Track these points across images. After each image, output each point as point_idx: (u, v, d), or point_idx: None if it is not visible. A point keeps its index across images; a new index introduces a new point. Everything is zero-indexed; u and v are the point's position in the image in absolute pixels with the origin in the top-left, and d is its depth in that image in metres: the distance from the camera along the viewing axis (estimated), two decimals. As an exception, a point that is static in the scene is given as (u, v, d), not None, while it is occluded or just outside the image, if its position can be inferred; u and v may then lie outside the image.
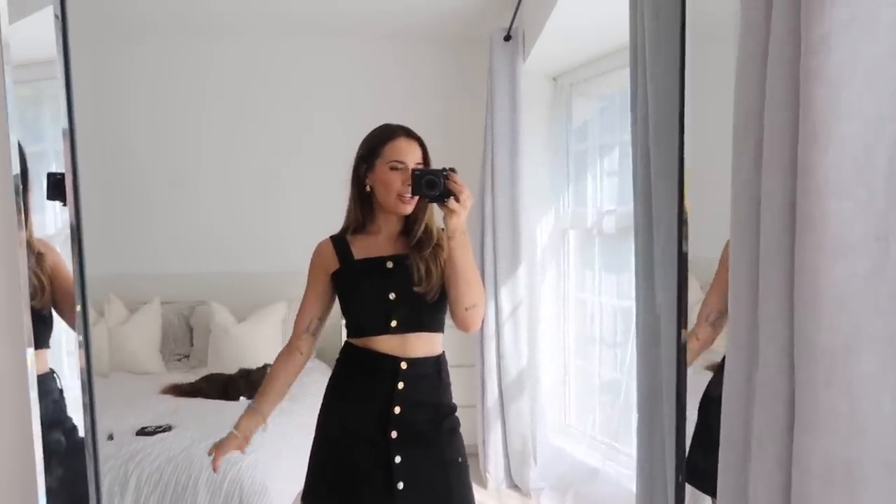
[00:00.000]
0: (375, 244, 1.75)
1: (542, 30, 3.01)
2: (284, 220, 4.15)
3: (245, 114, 4.16)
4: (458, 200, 1.55)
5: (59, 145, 1.21)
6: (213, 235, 4.16)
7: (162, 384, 3.49)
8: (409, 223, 1.74)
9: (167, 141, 4.15)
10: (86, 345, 1.01)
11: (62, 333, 1.20)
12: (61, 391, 1.17)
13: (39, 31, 1.26)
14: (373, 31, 4.04)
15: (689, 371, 1.34)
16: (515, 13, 3.30)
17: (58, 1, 1.20)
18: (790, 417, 0.77)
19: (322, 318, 1.82)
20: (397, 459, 1.64)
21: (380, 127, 1.75)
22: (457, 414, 1.76)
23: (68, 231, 1.17)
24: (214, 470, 1.82)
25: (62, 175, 1.15)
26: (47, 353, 1.15)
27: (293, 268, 3.91)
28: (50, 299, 1.18)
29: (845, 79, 0.70)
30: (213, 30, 4.01)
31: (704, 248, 1.31)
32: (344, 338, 1.79)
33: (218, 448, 1.84)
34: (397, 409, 1.65)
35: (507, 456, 3.60)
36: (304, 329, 1.80)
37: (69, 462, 1.09)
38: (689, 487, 1.38)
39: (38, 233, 1.24)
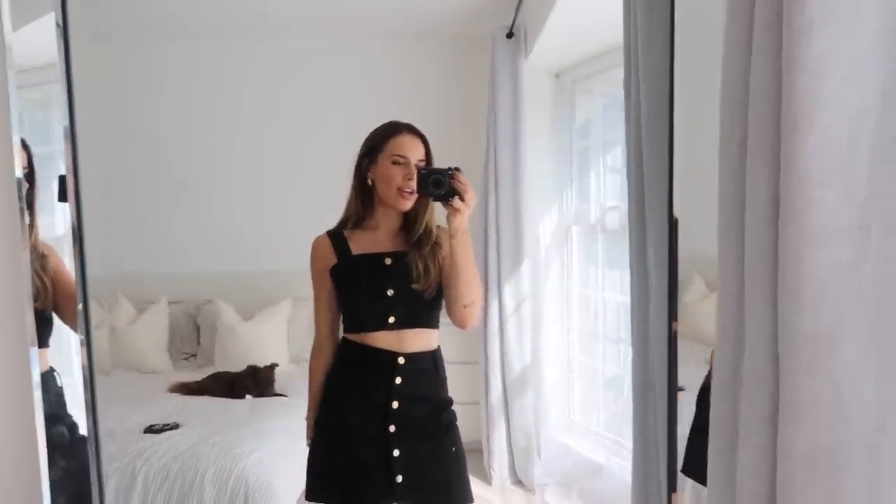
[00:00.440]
0: (374, 240, 1.75)
1: (543, 27, 3.02)
2: (290, 219, 4.16)
3: (252, 114, 4.18)
4: (462, 200, 1.57)
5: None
6: (220, 235, 4.19)
7: (169, 382, 3.53)
8: (409, 220, 1.75)
9: (174, 141, 4.16)
10: (87, 343, 1.03)
11: (70, 333, 1.22)
12: (61, 388, 1.19)
13: (44, 35, 1.28)
14: (375, 30, 4.05)
15: (691, 364, 1.35)
16: (517, 10, 3.30)
17: (59, 8, 1.22)
18: (775, 406, 0.78)
19: (337, 312, 1.83)
20: (396, 453, 1.66)
21: (385, 123, 1.77)
22: (453, 408, 1.78)
23: (78, 231, 1.19)
24: None
25: (73, 177, 1.18)
26: (47, 352, 1.17)
27: (299, 266, 3.91)
28: (52, 300, 1.20)
29: (827, 69, 0.71)
30: (219, 31, 4.03)
31: (709, 245, 1.32)
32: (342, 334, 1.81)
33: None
34: (395, 404, 1.68)
35: (511, 452, 3.61)
36: (323, 329, 1.83)
37: (71, 457, 1.11)
38: (691, 483, 1.39)
39: (46, 234, 1.26)
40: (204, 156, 4.18)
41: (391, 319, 1.69)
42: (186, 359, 3.87)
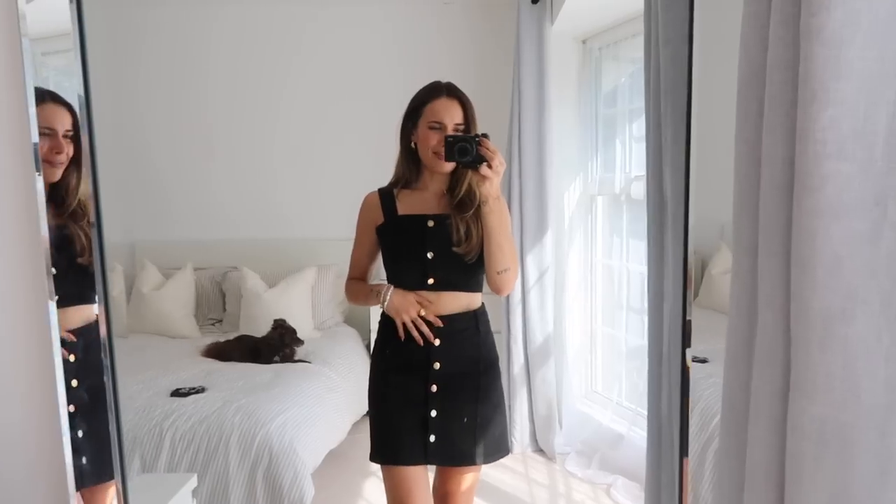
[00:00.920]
0: (421, 201, 1.78)
1: (569, -8, 2.95)
2: (315, 187, 4.19)
3: (278, 80, 4.17)
4: (490, 166, 1.57)
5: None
6: (245, 202, 4.22)
7: (196, 348, 3.60)
8: (453, 182, 1.76)
9: (201, 107, 4.18)
10: (105, 307, 1.05)
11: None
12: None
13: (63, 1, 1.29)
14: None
15: (717, 336, 1.33)
16: (543, -25, 3.23)
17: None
18: (786, 381, 0.77)
19: (371, 266, 1.90)
20: (433, 413, 1.72)
21: (427, 86, 1.78)
22: (498, 366, 1.85)
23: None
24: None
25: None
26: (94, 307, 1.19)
27: (323, 234, 3.97)
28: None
29: (846, 38, 0.69)
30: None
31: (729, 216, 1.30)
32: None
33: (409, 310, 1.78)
34: (437, 365, 1.72)
35: (532, 421, 3.63)
36: (354, 272, 1.90)
37: (92, 420, 1.14)
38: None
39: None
40: (231, 123, 4.20)
41: (430, 281, 1.72)
42: (213, 324, 3.93)
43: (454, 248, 1.69)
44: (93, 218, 1.07)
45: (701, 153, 1.19)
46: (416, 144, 1.76)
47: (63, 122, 1.25)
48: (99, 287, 1.03)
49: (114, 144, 4.20)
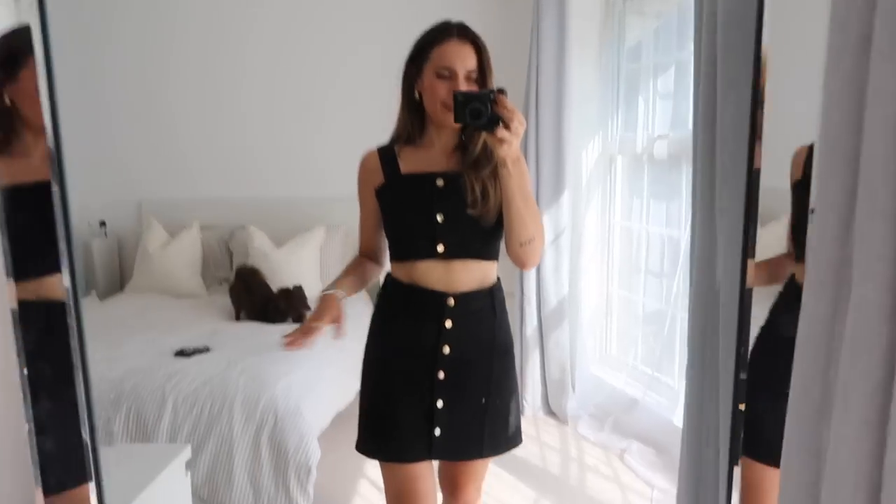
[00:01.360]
0: (426, 158, 1.55)
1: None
2: (323, 145, 4.06)
3: (286, 37, 4.02)
4: (508, 128, 1.33)
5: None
6: (252, 160, 4.12)
7: (203, 307, 3.53)
8: (466, 138, 1.54)
9: (207, 64, 4.06)
10: (70, 265, 0.93)
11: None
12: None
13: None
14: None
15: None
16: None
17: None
18: (889, 371, 0.65)
19: (379, 238, 1.67)
20: (439, 404, 1.53)
21: (434, 26, 1.53)
22: (513, 351, 1.65)
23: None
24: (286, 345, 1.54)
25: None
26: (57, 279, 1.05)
27: (332, 193, 3.85)
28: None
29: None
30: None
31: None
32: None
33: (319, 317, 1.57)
34: (446, 349, 1.53)
35: (544, 384, 3.57)
36: (365, 247, 1.69)
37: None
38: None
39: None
40: (237, 80, 4.07)
41: (440, 248, 1.50)
42: (220, 283, 3.86)
43: (469, 211, 1.47)
44: (56, 176, 0.93)
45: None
46: (420, 94, 1.52)
47: None
48: (63, 244, 0.91)
49: (116, 99, 4.09)
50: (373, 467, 2.73)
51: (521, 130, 1.35)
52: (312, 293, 3.64)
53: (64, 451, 0.93)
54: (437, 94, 1.47)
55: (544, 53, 3.26)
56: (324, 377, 2.74)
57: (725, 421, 1.17)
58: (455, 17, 1.55)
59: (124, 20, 4.04)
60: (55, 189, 0.93)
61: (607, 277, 3.61)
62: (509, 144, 1.34)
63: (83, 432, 0.90)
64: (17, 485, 1.01)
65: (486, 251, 1.55)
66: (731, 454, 1.10)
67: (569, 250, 3.43)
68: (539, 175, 3.34)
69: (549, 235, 3.36)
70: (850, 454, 0.67)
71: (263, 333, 3.05)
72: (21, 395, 0.88)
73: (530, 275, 3.42)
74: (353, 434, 1.67)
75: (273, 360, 2.65)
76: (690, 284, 1.45)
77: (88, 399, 0.89)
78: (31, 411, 0.88)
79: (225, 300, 3.49)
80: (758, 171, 1.04)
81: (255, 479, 2.38)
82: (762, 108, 1.04)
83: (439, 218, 1.49)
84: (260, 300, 3.35)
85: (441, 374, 1.53)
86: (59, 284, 0.97)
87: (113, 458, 1.51)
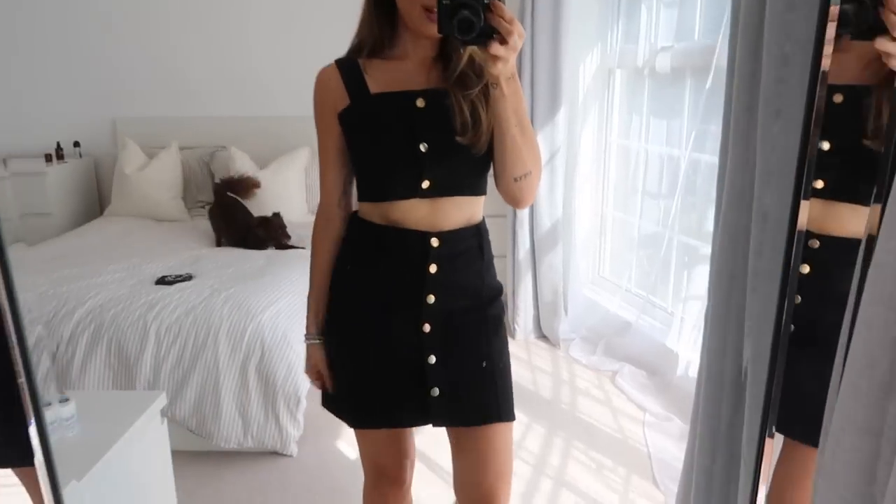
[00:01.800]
0: (400, 74, 1.26)
1: None
2: (306, 59, 3.82)
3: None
4: (505, 42, 1.07)
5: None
6: (233, 77, 3.91)
7: (185, 231, 3.42)
8: (447, 48, 1.26)
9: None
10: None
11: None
12: None
13: None
14: None
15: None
16: None
17: None
18: None
19: (346, 176, 1.38)
20: (431, 359, 1.32)
21: None
22: (502, 297, 1.42)
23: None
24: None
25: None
26: None
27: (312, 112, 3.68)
28: None
29: None
30: None
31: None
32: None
33: (308, 372, 1.46)
34: (431, 298, 1.30)
35: (536, 307, 3.52)
36: (332, 193, 1.38)
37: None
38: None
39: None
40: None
41: (425, 184, 1.25)
42: (203, 207, 3.72)
43: (458, 138, 1.22)
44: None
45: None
46: None
47: None
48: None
49: (88, 11, 3.83)
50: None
51: (520, 45, 1.10)
52: (298, 218, 3.53)
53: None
54: None
55: (540, -42, 3.04)
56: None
57: (757, 382, 1.06)
58: None
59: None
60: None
61: (602, 198, 3.50)
62: (505, 62, 1.10)
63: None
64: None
65: (477, 186, 1.32)
66: (762, 425, 0.98)
67: (564, 170, 3.31)
68: (534, 90, 3.18)
69: (543, 154, 3.22)
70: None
71: (247, 259, 2.95)
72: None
73: (523, 196, 3.31)
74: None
75: (258, 288, 2.57)
76: (716, 221, 1.29)
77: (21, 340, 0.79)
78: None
79: (208, 225, 3.37)
80: (824, 76, 0.82)
81: (244, 409, 2.33)
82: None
83: (423, 147, 1.24)
84: (239, 228, 3.23)
85: (427, 327, 1.31)
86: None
87: (86, 407, 1.44)
